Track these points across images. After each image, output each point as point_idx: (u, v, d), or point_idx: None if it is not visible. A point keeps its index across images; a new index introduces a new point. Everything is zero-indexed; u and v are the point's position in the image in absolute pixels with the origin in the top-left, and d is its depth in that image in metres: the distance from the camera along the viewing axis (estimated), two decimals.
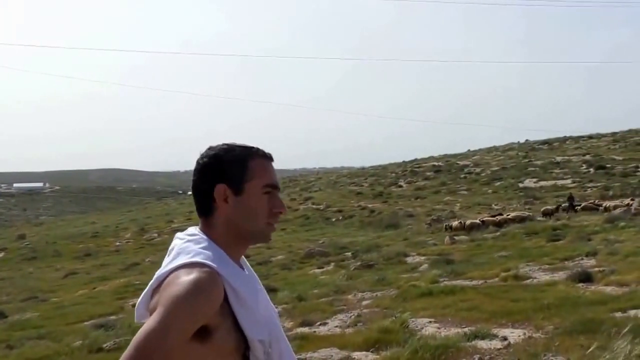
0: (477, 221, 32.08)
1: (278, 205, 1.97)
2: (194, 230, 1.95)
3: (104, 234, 61.72)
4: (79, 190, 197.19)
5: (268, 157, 1.99)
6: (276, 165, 2.04)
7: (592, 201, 38.31)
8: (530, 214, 35.32)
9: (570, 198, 38.75)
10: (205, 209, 1.94)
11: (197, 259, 1.79)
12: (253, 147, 1.98)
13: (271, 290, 16.43)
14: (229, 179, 1.90)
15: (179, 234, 1.97)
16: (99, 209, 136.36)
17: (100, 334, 12.10)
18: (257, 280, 2.05)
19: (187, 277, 1.71)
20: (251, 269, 2.10)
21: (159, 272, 1.82)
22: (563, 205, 38.10)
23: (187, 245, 1.87)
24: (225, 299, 1.78)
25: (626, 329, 6.56)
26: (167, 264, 1.83)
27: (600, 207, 34.20)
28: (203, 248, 1.85)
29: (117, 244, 53.47)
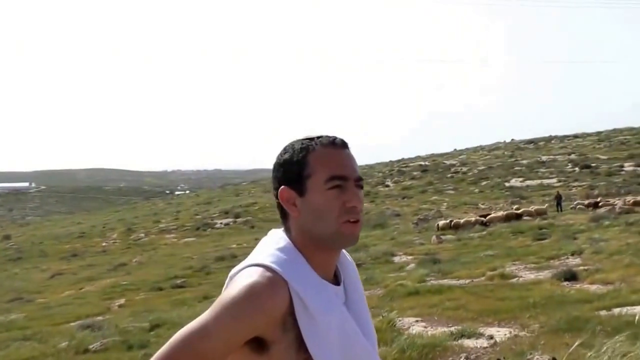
0: (500, 214, 32.75)
1: (349, 199, 1.63)
2: (278, 230, 1.75)
3: (91, 234, 61.54)
4: (66, 190, 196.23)
5: (336, 145, 1.68)
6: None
7: (610, 199, 38.37)
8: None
9: (558, 197, 39.00)
10: (281, 214, 1.72)
11: (265, 260, 1.59)
12: (316, 137, 1.69)
13: None
14: (288, 179, 1.66)
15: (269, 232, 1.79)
16: (86, 209, 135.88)
17: (86, 334, 12.03)
18: (351, 297, 1.76)
19: (245, 281, 1.54)
20: (357, 283, 1.82)
21: (232, 271, 1.65)
22: (551, 203, 38.33)
23: (265, 244, 1.70)
24: (292, 311, 1.57)
25: (624, 335, 6.56)
26: (242, 262, 1.67)
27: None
28: (279, 249, 1.65)
29: (104, 244, 53.29)
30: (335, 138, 1.69)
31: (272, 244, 1.67)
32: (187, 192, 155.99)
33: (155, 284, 23.00)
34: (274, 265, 1.57)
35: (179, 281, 23.40)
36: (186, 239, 49.81)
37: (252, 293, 1.51)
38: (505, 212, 33.78)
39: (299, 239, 1.66)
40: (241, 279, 1.56)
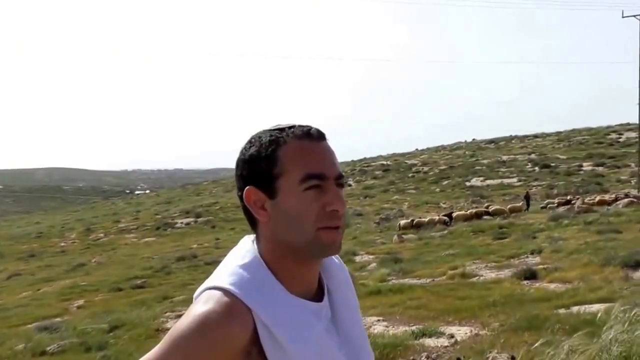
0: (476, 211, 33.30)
1: (330, 201, 1.37)
2: (248, 239, 1.48)
3: (49, 235, 60.68)
4: (23, 189, 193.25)
5: (311, 136, 1.41)
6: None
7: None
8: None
9: (527, 197, 39.53)
10: (249, 220, 1.46)
11: (225, 282, 1.35)
12: (287, 127, 1.42)
13: None
14: (256, 178, 1.39)
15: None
16: (44, 209, 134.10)
17: (44, 336, 11.87)
18: (340, 311, 1.53)
19: (198, 309, 1.31)
20: (349, 292, 1.60)
21: (196, 292, 1.41)
22: (521, 203, 38.72)
23: (228, 259, 1.45)
24: (257, 340, 1.33)
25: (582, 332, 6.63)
26: (205, 281, 1.42)
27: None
28: (242, 266, 1.39)
29: (63, 244, 52.54)
30: (310, 128, 1.42)
31: (237, 260, 1.42)
32: (147, 191, 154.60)
33: (115, 285, 22.69)
34: (233, 288, 1.34)
35: (138, 281, 23.14)
36: (146, 239, 49.35)
37: (205, 324, 1.29)
38: (475, 210, 33.95)
39: (270, 248, 1.42)
40: (196, 307, 1.33)
